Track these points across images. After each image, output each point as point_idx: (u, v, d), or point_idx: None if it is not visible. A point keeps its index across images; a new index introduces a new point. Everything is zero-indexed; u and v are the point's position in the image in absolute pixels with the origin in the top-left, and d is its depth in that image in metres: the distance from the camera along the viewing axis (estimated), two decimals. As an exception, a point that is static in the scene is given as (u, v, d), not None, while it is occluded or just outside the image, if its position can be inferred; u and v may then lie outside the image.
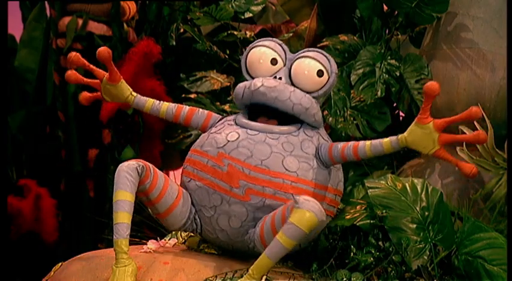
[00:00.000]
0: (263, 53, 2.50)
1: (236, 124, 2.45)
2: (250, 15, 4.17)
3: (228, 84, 4.09)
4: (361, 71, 3.37)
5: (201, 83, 4.16)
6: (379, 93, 3.33)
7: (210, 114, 2.57)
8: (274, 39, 2.56)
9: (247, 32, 4.20)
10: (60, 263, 2.53)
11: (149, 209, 2.50)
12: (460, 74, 3.21)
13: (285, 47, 2.52)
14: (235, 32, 4.14)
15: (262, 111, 2.47)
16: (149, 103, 2.57)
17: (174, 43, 4.68)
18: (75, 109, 4.64)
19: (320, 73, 2.45)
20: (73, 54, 2.51)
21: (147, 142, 4.52)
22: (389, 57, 3.40)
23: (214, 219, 2.40)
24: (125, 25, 4.78)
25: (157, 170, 2.39)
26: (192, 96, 4.12)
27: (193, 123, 2.57)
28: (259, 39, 2.57)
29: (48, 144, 4.64)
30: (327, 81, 2.46)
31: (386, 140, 2.31)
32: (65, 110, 4.67)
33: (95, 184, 4.60)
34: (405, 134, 2.27)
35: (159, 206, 2.41)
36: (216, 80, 4.14)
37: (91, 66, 2.54)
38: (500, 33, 3.16)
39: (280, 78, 2.44)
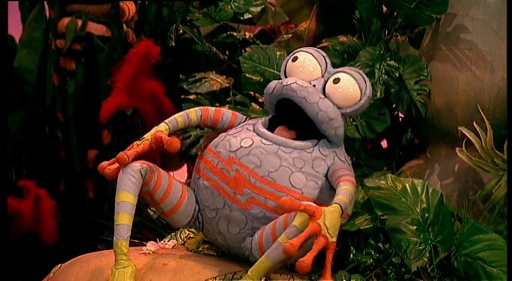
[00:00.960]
0: (303, 62, 2.48)
1: (254, 131, 2.43)
2: (250, 16, 4.17)
3: (228, 85, 4.08)
4: (360, 72, 3.37)
5: (201, 84, 4.16)
6: (378, 94, 3.33)
7: (236, 115, 2.55)
8: (319, 50, 2.54)
9: (246, 33, 4.20)
10: (59, 265, 2.53)
11: (154, 208, 2.50)
12: (460, 75, 3.21)
13: (328, 60, 2.50)
14: (235, 33, 4.14)
15: (286, 117, 2.45)
16: (180, 122, 2.49)
17: (174, 44, 4.68)
18: (74, 110, 4.65)
19: (357, 93, 2.43)
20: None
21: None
22: (388, 58, 3.40)
23: (215, 221, 2.40)
24: (124, 26, 4.79)
25: (161, 170, 2.39)
26: (191, 97, 4.12)
27: (219, 125, 2.55)
28: (304, 48, 2.54)
29: (48, 144, 4.65)
30: (358, 102, 2.44)
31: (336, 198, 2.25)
32: (64, 110, 4.67)
33: (95, 185, 4.61)
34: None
35: (164, 206, 2.42)
36: (216, 81, 4.14)
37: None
38: (500, 34, 3.16)
39: (313, 86, 2.42)
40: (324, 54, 2.52)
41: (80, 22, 4.70)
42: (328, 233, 2.13)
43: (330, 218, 2.14)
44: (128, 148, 2.39)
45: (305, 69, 2.47)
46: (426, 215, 2.50)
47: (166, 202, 2.40)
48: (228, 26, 4.20)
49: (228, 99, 4.04)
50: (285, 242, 2.08)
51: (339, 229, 2.19)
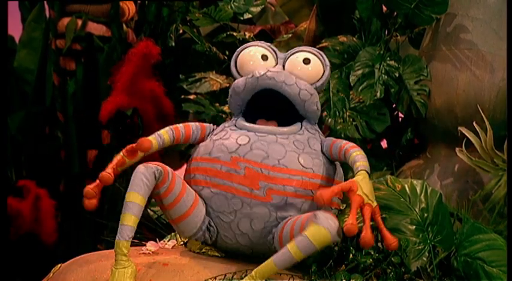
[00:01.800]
0: (252, 55, 2.51)
1: (240, 129, 2.44)
2: (250, 16, 4.18)
3: (227, 85, 4.08)
4: (360, 72, 3.37)
5: (200, 84, 4.16)
6: (378, 94, 3.33)
7: (204, 125, 2.56)
8: (260, 41, 2.58)
9: (246, 33, 4.20)
10: (59, 265, 2.53)
11: (164, 214, 2.48)
12: (460, 75, 3.21)
13: (274, 47, 2.54)
14: (235, 33, 4.14)
15: (260, 112, 2.47)
16: (155, 144, 2.46)
17: (173, 44, 4.69)
18: (74, 110, 4.64)
19: (306, 61, 2.47)
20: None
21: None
22: (388, 58, 3.40)
23: (235, 224, 2.38)
24: (124, 26, 4.79)
25: (176, 175, 2.37)
26: (191, 97, 4.12)
27: (191, 139, 2.55)
28: (246, 44, 2.58)
29: (48, 145, 4.64)
30: (323, 74, 2.48)
31: (357, 164, 2.31)
32: (64, 110, 4.67)
33: (94, 185, 4.60)
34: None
35: (172, 212, 2.39)
36: (215, 81, 4.15)
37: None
38: (500, 34, 3.16)
39: None
40: (268, 43, 2.55)
41: (79, 22, 4.70)
42: (370, 199, 2.18)
43: (364, 186, 2.20)
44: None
45: (255, 60, 2.50)
46: (425, 215, 2.50)
47: (175, 208, 2.38)
48: (228, 26, 4.20)
49: (227, 99, 4.04)
50: (346, 223, 2.09)
51: None
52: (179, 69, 4.46)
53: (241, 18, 4.14)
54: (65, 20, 4.73)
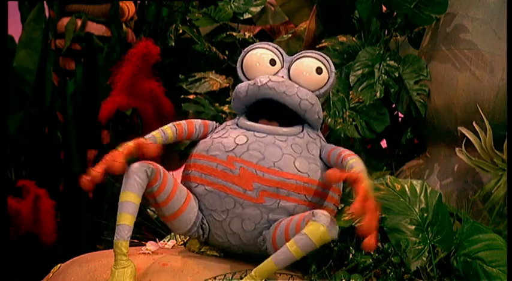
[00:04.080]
0: (260, 56, 2.51)
1: (240, 127, 2.44)
2: (249, 16, 4.17)
3: (227, 85, 4.09)
4: (360, 72, 3.37)
5: (200, 84, 4.16)
6: (378, 94, 3.33)
7: (207, 123, 2.56)
8: (269, 42, 2.57)
9: (246, 33, 4.20)
10: (58, 265, 2.53)
11: (156, 211, 2.48)
12: (459, 75, 3.21)
13: (281, 49, 2.53)
14: (234, 33, 4.14)
15: (263, 113, 2.47)
16: (159, 138, 2.48)
17: (173, 44, 4.68)
18: (73, 110, 4.65)
19: (319, 70, 2.46)
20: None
21: (146, 142, 4.52)
22: (388, 58, 3.40)
23: (226, 223, 2.38)
24: (123, 26, 4.79)
25: (167, 173, 2.37)
26: (191, 97, 4.12)
27: (194, 136, 2.55)
28: (255, 44, 2.58)
29: (47, 145, 4.64)
30: (327, 81, 2.48)
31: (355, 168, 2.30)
32: (63, 110, 4.67)
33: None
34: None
35: (166, 209, 2.40)
36: (215, 81, 4.14)
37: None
38: (499, 34, 3.16)
39: (282, 77, 2.45)
40: (276, 45, 2.55)
41: (79, 22, 4.71)
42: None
43: (368, 182, 2.20)
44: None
45: (262, 63, 2.49)
46: (425, 215, 2.50)
47: (169, 205, 2.39)
48: (228, 26, 4.20)
49: (227, 99, 4.05)
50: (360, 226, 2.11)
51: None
52: (179, 69, 4.46)
53: (241, 18, 4.14)
54: (65, 20, 4.74)
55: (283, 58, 2.51)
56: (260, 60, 2.50)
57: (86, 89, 4.64)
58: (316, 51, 2.54)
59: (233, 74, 4.09)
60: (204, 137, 2.51)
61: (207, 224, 2.42)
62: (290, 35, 4.19)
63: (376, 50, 3.43)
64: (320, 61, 2.48)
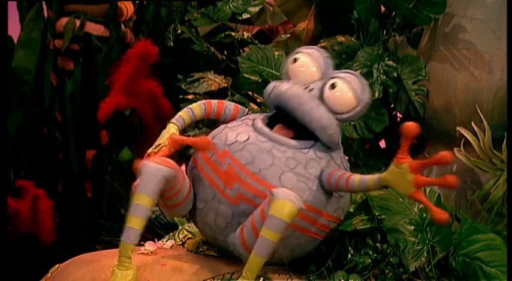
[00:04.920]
0: (306, 62, 2.43)
1: (252, 126, 2.42)
2: (248, 16, 4.17)
3: (226, 85, 4.08)
4: (358, 72, 3.37)
5: (199, 84, 4.16)
6: (376, 94, 3.33)
7: (238, 107, 2.56)
8: (321, 50, 2.51)
9: (244, 33, 4.20)
10: (57, 265, 2.53)
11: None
12: (458, 75, 3.21)
13: (330, 61, 2.45)
14: (233, 33, 4.14)
15: (285, 117, 2.43)
16: (187, 118, 2.49)
17: (172, 44, 4.68)
18: (72, 110, 4.64)
19: (352, 93, 2.38)
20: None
21: (145, 142, 4.52)
22: (386, 59, 3.40)
23: (203, 212, 2.39)
24: (122, 26, 4.79)
25: (181, 170, 2.34)
26: (190, 97, 4.12)
27: (222, 117, 2.55)
28: (308, 47, 2.52)
29: (46, 145, 4.64)
30: (354, 108, 2.40)
31: (371, 177, 2.24)
32: (62, 111, 4.67)
33: (93, 185, 4.60)
34: (386, 173, 2.19)
35: (169, 202, 2.40)
36: (214, 81, 4.14)
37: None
38: (498, 34, 3.17)
39: (311, 90, 2.38)
40: (327, 54, 2.48)
41: (78, 22, 4.70)
42: None
43: None
44: (145, 157, 2.34)
45: (307, 69, 2.43)
46: (424, 215, 2.50)
47: (173, 199, 2.39)
48: (226, 26, 4.20)
49: (226, 100, 4.04)
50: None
51: None
52: (177, 69, 4.45)
53: (240, 18, 4.14)
54: (63, 20, 4.73)
55: (327, 69, 2.42)
56: (305, 65, 2.43)
57: (85, 89, 4.63)
58: (358, 76, 2.44)
59: (232, 74, 4.09)
60: (232, 120, 2.52)
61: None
62: (289, 35, 4.19)
63: (375, 50, 3.43)
64: (355, 88, 2.38)
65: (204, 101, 2.55)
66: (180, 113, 2.48)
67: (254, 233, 2.22)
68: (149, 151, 2.39)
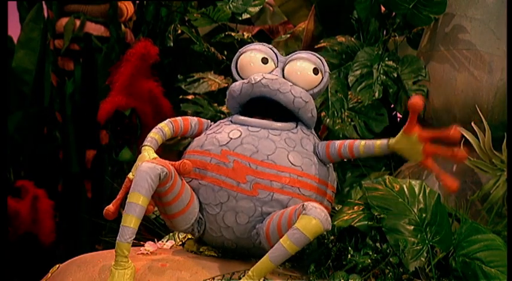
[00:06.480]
0: (253, 56, 2.52)
1: (234, 123, 2.45)
2: (248, 16, 4.17)
3: (226, 85, 4.09)
4: (358, 72, 3.37)
5: (199, 84, 4.16)
6: (376, 94, 3.33)
7: (202, 120, 2.58)
8: (263, 43, 2.59)
9: (244, 33, 4.20)
10: (57, 265, 2.53)
11: (157, 208, 2.46)
12: (458, 76, 3.21)
13: (275, 50, 2.55)
14: (233, 33, 4.14)
15: (257, 110, 2.47)
16: (159, 138, 2.49)
17: (172, 44, 4.69)
18: (72, 110, 4.65)
19: (313, 70, 2.48)
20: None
21: (145, 142, 4.52)
22: (386, 59, 3.40)
23: (220, 216, 2.39)
24: (122, 26, 4.80)
25: (177, 174, 2.35)
26: (190, 97, 4.13)
27: (189, 132, 2.57)
28: (249, 44, 2.59)
29: (46, 145, 4.65)
30: (321, 80, 2.49)
31: (378, 142, 2.35)
32: (62, 111, 4.68)
33: (93, 185, 4.61)
34: (394, 141, 2.30)
35: (169, 208, 2.39)
36: (214, 81, 4.15)
37: None
38: (498, 34, 3.17)
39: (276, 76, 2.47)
40: (270, 45, 2.56)
41: (78, 22, 4.71)
42: None
43: None
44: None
45: (255, 63, 2.50)
46: (423, 215, 2.50)
47: (173, 205, 2.38)
48: (226, 26, 4.20)
49: (225, 100, 4.04)
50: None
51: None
52: (177, 69, 4.46)
53: (240, 18, 4.14)
54: (63, 20, 4.74)
55: (277, 58, 2.52)
56: (254, 60, 2.52)
57: (85, 89, 4.64)
58: (311, 52, 2.55)
59: (231, 75, 4.09)
60: (199, 134, 2.53)
61: (203, 220, 2.43)
62: (289, 35, 4.19)
63: (375, 50, 3.43)
64: (315, 63, 2.49)
65: (169, 119, 2.55)
66: (151, 135, 2.48)
67: (278, 233, 2.25)
68: (130, 175, 2.38)
